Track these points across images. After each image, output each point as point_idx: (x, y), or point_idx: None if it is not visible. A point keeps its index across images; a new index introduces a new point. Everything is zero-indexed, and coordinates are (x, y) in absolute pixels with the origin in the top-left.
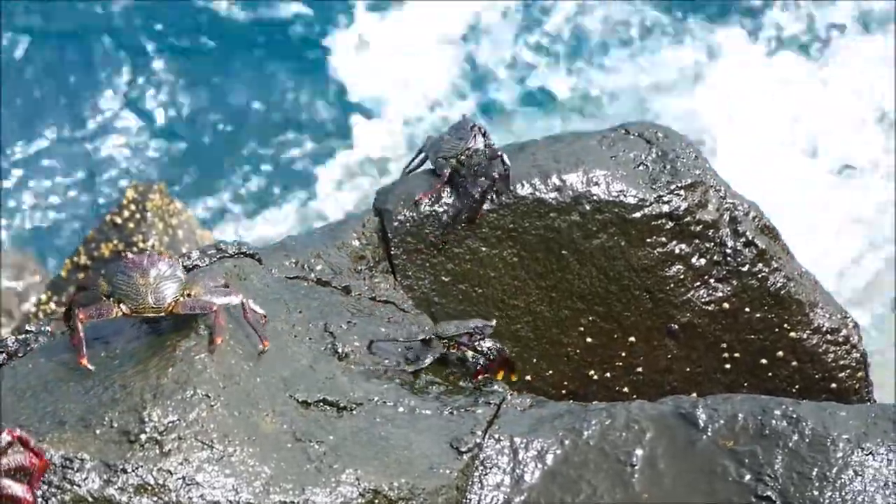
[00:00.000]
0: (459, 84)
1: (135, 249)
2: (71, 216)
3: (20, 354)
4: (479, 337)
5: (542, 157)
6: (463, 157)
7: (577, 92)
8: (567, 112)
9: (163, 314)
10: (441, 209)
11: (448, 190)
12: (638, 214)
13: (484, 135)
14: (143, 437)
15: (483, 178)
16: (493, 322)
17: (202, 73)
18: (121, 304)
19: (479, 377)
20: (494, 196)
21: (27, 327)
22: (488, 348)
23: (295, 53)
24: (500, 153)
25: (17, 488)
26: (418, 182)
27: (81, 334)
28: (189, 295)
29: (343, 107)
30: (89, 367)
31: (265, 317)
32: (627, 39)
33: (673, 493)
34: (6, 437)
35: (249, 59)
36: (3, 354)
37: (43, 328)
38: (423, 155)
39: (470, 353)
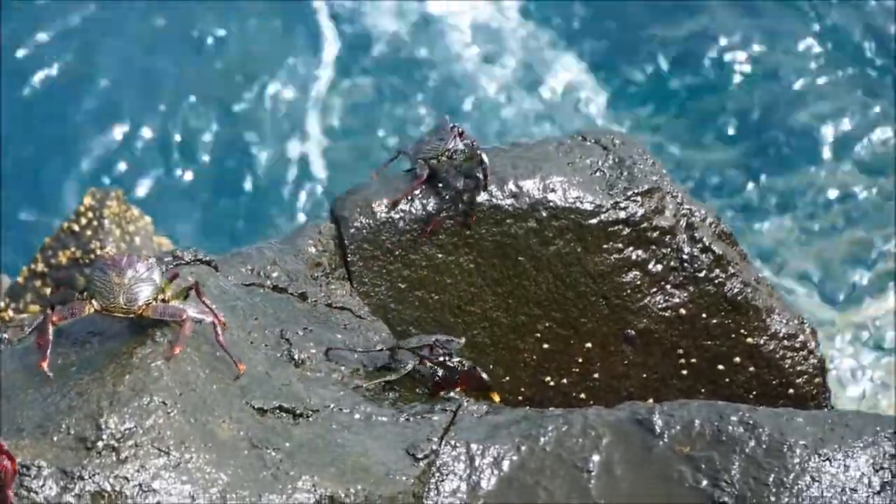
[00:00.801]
0: (419, 90)
1: (92, 256)
2: (27, 223)
3: None
4: (441, 351)
5: (498, 164)
6: (443, 158)
7: (534, 99)
8: (523, 119)
9: (132, 316)
10: (398, 216)
11: (421, 190)
12: (594, 221)
13: (461, 135)
14: (99, 444)
15: (466, 179)
16: (463, 340)
17: (159, 77)
18: (93, 301)
19: (441, 393)
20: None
21: None
22: (457, 362)
23: (254, 56)
24: (479, 152)
25: None
26: (378, 188)
27: (49, 337)
28: (163, 300)
29: (302, 112)
30: (48, 372)
31: (225, 324)
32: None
33: (630, 498)
34: None
35: (209, 61)
36: None
37: (0, 335)
38: (397, 157)
39: (438, 369)
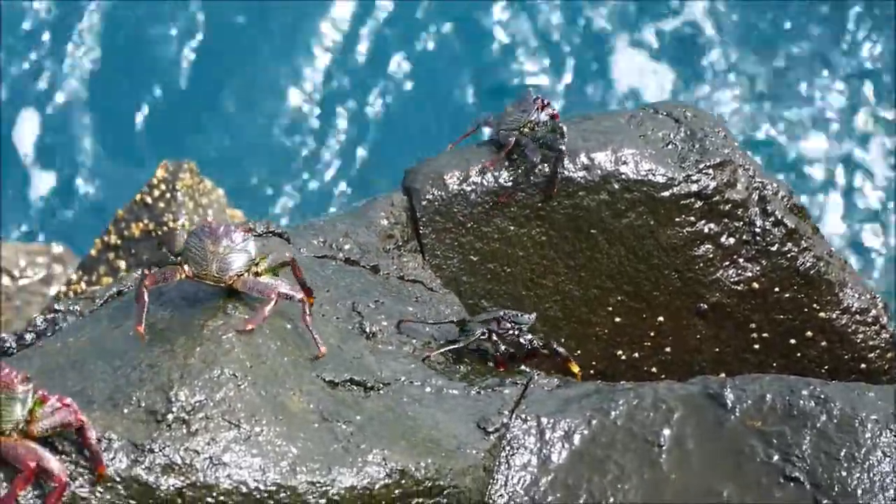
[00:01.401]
0: (495, 61)
1: (165, 229)
2: (100, 196)
3: (49, 334)
4: (510, 326)
5: (570, 136)
6: (526, 129)
7: (603, 72)
8: (593, 91)
9: (223, 286)
10: (469, 188)
11: (506, 161)
12: (667, 193)
13: (545, 106)
14: (170, 416)
15: (548, 151)
16: (533, 315)
17: (231, 49)
18: (185, 266)
19: (508, 367)
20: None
21: (56, 306)
22: (529, 340)
23: (328, 27)
24: (561, 126)
25: (54, 464)
26: (450, 160)
27: (146, 299)
28: (256, 274)
29: (374, 84)
30: (143, 335)
31: (312, 297)
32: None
33: (701, 473)
34: (55, 403)
35: (280, 32)
36: (32, 334)
37: (72, 307)
38: (477, 128)
39: (502, 344)
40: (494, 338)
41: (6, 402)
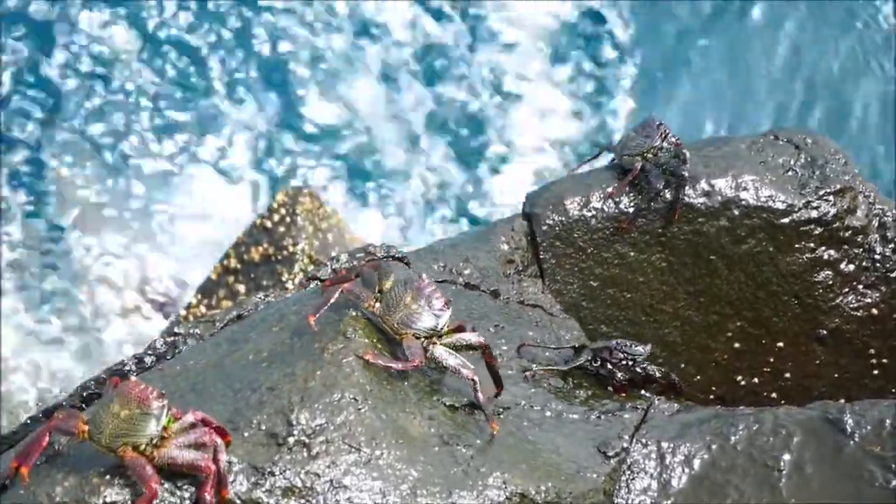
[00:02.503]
0: (614, 86)
1: (285, 253)
2: (220, 220)
3: (169, 357)
4: (622, 355)
5: (690, 162)
6: (649, 155)
7: (725, 97)
8: (715, 117)
9: (396, 337)
10: (590, 214)
11: (614, 188)
12: (786, 220)
13: (668, 132)
14: (290, 439)
15: (671, 177)
16: (648, 346)
17: (353, 75)
18: (377, 303)
19: (623, 393)
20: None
21: (176, 329)
22: (642, 369)
23: (452, 55)
24: (684, 151)
25: (194, 455)
26: (570, 185)
27: (332, 300)
28: (431, 343)
29: (495, 109)
30: (314, 326)
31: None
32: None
33: (820, 498)
34: (190, 418)
35: (400, 58)
36: (152, 356)
37: (192, 331)
38: (600, 154)
39: (618, 371)
40: (609, 365)
41: (141, 418)
